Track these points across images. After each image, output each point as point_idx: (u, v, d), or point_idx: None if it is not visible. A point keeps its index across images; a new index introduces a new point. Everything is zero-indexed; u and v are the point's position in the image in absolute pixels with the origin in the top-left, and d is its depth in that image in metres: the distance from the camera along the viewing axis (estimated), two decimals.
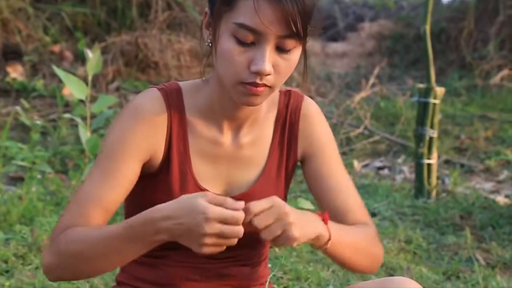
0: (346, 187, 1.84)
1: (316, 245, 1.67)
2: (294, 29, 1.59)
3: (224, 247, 1.55)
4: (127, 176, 1.70)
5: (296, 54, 1.66)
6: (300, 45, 1.65)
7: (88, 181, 1.70)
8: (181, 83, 1.82)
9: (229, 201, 1.52)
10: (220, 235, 1.51)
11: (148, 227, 1.56)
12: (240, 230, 1.52)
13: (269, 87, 1.64)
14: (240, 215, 1.52)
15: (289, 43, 1.62)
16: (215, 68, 1.71)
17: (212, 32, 1.68)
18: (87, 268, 1.66)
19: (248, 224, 1.55)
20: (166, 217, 1.53)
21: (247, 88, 1.63)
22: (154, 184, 1.76)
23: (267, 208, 1.55)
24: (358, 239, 1.77)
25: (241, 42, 1.61)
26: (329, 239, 1.66)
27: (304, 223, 1.60)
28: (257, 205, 1.55)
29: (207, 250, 1.53)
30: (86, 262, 1.64)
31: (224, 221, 1.50)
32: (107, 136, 1.74)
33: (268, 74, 1.62)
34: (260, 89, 1.63)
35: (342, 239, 1.70)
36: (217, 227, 1.50)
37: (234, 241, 1.53)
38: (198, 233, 1.51)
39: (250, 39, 1.61)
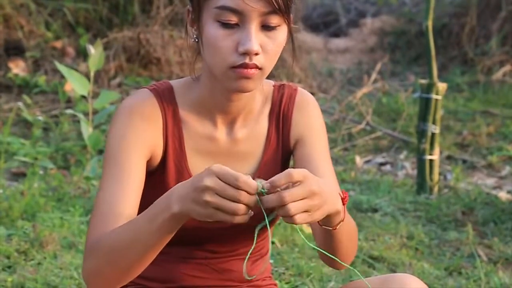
0: (327, 174, 1.81)
1: (327, 223, 1.62)
2: (275, 3, 1.59)
3: (229, 218, 1.45)
4: (137, 175, 1.69)
5: (282, 33, 1.65)
6: (285, 23, 1.65)
7: (102, 191, 1.68)
8: (172, 82, 1.82)
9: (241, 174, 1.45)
10: (220, 192, 1.43)
11: (163, 200, 1.52)
12: (242, 194, 1.43)
13: (260, 69, 1.63)
14: (242, 176, 1.43)
15: (273, 19, 1.62)
16: (204, 61, 1.71)
17: (196, 25, 1.68)
18: (124, 264, 1.59)
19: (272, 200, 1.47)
20: (180, 185, 1.51)
21: (238, 72, 1.62)
22: (150, 182, 1.75)
23: (299, 184, 1.47)
24: (353, 227, 1.76)
25: (225, 25, 1.61)
26: (341, 221, 1.62)
27: (327, 202, 1.53)
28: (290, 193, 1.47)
29: (211, 212, 1.45)
30: (121, 259, 1.58)
31: (224, 178, 1.43)
32: (107, 141, 1.72)
33: (257, 53, 1.61)
34: (251, 71, 1.62)
35: (347, 224, 1.67)
36: (217, 181, 1.43)
37: (238, 207, 1.44)
38: (199, 188, 1.44)
39: (234, 20, 1.60)
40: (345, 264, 1.73)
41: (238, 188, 1.43)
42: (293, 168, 1.79)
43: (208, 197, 1.44)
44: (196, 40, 1.70)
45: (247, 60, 1.61)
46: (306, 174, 1.49)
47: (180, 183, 1.52)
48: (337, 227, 1.63)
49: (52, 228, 3.35)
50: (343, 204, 1.61)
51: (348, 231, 1.70)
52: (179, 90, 1.79)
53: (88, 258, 1.63)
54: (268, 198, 1.47)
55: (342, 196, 1.61)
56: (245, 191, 1.43)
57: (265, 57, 1.63)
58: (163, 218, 1.51)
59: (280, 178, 1.47)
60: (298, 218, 1.47)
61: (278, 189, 1.47)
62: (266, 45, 1.63)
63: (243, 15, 1.60)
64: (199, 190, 1.45)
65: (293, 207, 1.46)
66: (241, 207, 1.44)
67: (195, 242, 1.81)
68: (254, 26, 1.61)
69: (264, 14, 1.60)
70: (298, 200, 1.47)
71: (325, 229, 1.65)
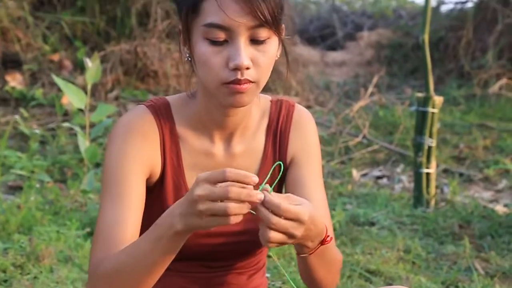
0: (319, 201, 1.81)
1: (296, 247, 1.63)
2: (261, 17, 1.58)
3: (225, 220, 1.44)
4: (137, 193, 1.68)
5: (272, 45, 1.65)
6: (275, 34, 1.64)
7: (103, 212, 1.67)
8: (168, 98, 1.81)
9: (235, 170, 1.45)
10: (209, 197, 1.42)
11: (166, 219, 1.51)
12: (230, 189, 1.42)
13: (253, 82, 1.63)
14: (228, 170, 1.43)
15: (262, 32, 1.61)
16: (198, 78, 1.71)
17: (187, 44, 1.68)
18: (129, 286, 1.58)
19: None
20: (178, 203, 1.50)
21: (231, 87, 1.62)
22: (149, 199, 1.74)
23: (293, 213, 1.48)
24: (333, 260, 1.74)
25: (214, 42, 1.61)
26: (310, 253, 1.63)
27: (307, 236, 1.55)
28: (288, 210, 1.48)
29: (207, 221, 1.44)
30: (126, 282, 1.57)
31: (213, 180, 1.43)
32: (106, 160, 1.71)
33: (248, 68, 1.61)
34: (244, 86, 1.62)
35: (323, 255, 1.66)
36: (205, 187, 1.43)
37: (226, 206, 1.42)
38: (192, 200, 1.44)
39: (222, 37, 1.60)
40: None
41: (227, 180, 1.43)
42: (285, 189, 1.80)
43: (201, 206, 1.43)
44: (189, 58, 1.70)
45: (238, 76, 1.61)
46: (305, 218, 1.49)
47: (178, 201, 1.51)
48: (308, 256, 1.63)
49: (49, 242, 3.34)
50: (322, 244, 1.61)
51: (324, 264, 1.69)
52: (176, 106, 1.79)
53: (92, 282, 1.62)
54: (261, 212, 1.48)
55: (326, 237, 1.61)
56: (236, 180, 1.43)
57: (257, 71, 1.63)
58: (168, 237, 1.51)
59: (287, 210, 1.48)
60: (272, 245, 1.50)
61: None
62: (257, 58, 1.62)
63: (230, 31, 1.60)
64: (192, 201, 1.45)
65: (272, 237, 1.48)
66: (231, 205, 1.43)
67: (194, 257, 1.81)
68: (243, 41, 1.60)
69: (252, 28, 1.60)
70: (280, 231, 1.48)
71: (299, 256, 1.66)
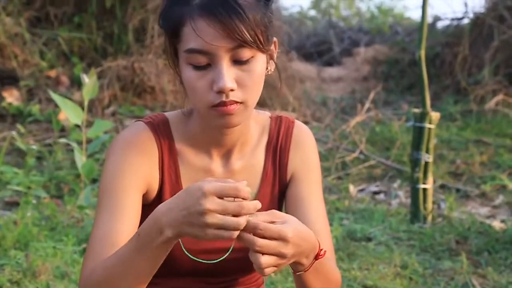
0: (319, 217, 1.81)
1: (291, 265, 1.62)
2: (239, 38, 1.58)
3: (230, 234, 1.43)
4: (133, 208, 1.68)
5: (257, 63, 1.64)
6: (259, 52, 1.63)
7: (97, 224, 1.66)
8: (167, 114, 1.81)
9: (230, 180, 1.45)
10: (222, 211, 1.41)
11: (152, 227, 1.49)
12: (243, 205, 1.42)
13: (241, 103, 1.63)
14: (241, 186, 1.43)
15: (243, 52, 1.61)
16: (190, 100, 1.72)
17: (177, 69, 1.69)
18: None
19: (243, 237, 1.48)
20: (167, 210, 1.47)
21: (218, 110, 1.62)
22: (146, 215, 1.74)
23: (277, 236, 1.48)
24: (329, 278, 1.72)
25: (197, 67, 1.61)
26: (305, 270, 1.62)
27: (299, 253, 1.55)
28: (268, 229, 1.48)
29: (210, 233, 1.42)
30: None
31: (224, 195, 1.42)
32: (103, 175, 1.71)
33: (232, 90, 1.60)
34: (231, 107, 1.62)
35: (317, 273, 1.66)
36: (217, 202, 1.41)
37: (238, 221, 1.42)
38: (198, 212, 1.42)
39: (204, 61, 1.60)
40: None
41: (241, 197, 1.42)
42: (285, 206, 1.80)
43: (209, 219, 1.42)
44: (181, 82, 1.71)
45: (223, 98, 1.60)
46: (290, 235, 1.49)
47: (164, 206, 1.49)
48: (302, 273, 1.62)
49: (45, 258, 3.33)
50: (316, 259, 1.61)
51: (319, 280, 1.68)
52: (174, 122, 1.79)
53: None
54: (245, 237, 1.47)
55: (320, 252, 1.61)
56: (247, 198, 1.43)
57: (244, 91, 1.62)
58: (157, 244, 1.49)
59: (266, 229, 1.47)
60: (267, 271, 1.49)
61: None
62: (242, 79, 1.62)
63: (211, 55, 1.59)
64: (198, 213, 1.42)
65: (264, 262, 1.47)
66: (242, 220, 1.43)
67: (193, 273, 1.80)
68: (225, 63, 1.60)
69: (232, 49, 1.59)
70: (270, 254, 1.48)
71: (294, 273, 1.65)
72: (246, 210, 1.43)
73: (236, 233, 1.44)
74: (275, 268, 1.50)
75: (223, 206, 1.41)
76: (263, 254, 1.47)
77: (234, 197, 1.43)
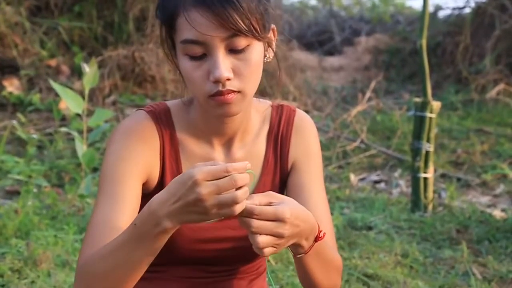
0: (321, 205, 1.81)
1: (293, 250, 1.62)
2: (233, 27, 1.57)
3: (233, 210, 1.43)
4: (132, 195, 1.68)
5: (253, 52, 1.63)
6: (255, 40, 1.63)
7: (96, 210, 1.66)
8: (169, 103, 1.81)
9: (218, 162, 1.46)
10: (217, 191, 1.41)
11: (149, 219, 1.48)
12: (235, 177, 1.42)
13: (238, 92, 1.63)
14: (230, 166, 1.43)
15: (239, 41, 1.60)
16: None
17: (175, 60, 1.70)
18: (114, 282, 1.57)
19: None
20: (162, 202, 1.47)
21: (216, 99, 1.62)
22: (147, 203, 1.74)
23: (274, 218, 1.49)
24: (330, 262, 1.73)
25: (193, 58, 1.61)
26: (305, 252, 1.62)
27: (298, 233, 1.55)
28: (263, 211, 1.48)
29: (213, 214, 1.43)
30: (108, 280, 1.56)
31: (217, 177, 1.42)
32: (103, 163, 1.71)
33: (228, 79, 1.60)
34: (229, 96, 1.62)
35: (318, 256, 1.66)
36: (210, 184, 1.41)
37: (236, 195, 1.42)
38: (195, 200, 1.43)
39: (200, 52, 1.60)
40: None
41: (230, 174, 1.42)
42: (286, 194, 1.80)
43: (208, 203, 1.42)
44: (179, 72, 1.71)
45: (220, 88, 1.60)
46: (287, 215, 1.49)
47: (157, 198, 1.48)
48: (303, 257, 1.63)
49: (46, 246, 3.33)
50: (316, 241, 1.61)
51: (320, 264, 1.68)
52: (175, 111, 1.79)
53: (79, 282, 1.61)
54: (242, 220, 1.48)
55: (319, 234, 1.61)
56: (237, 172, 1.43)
57: (240, 80, 1.62)
58: (155, 234, 1.49)
59: (261, 211, 1.48)
60: (267, 251, 1.49)
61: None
62: (238, 68, 1.62)
63: (206, 45, 1.59)
64: (195, 201, 1.43)
65: (261, 241, 1.47)
66: (239, 193, 1.43)
67: (194, 262, 1.80)
68: (220, 53, 1.59)
69: (227, 38, 1.59)
70: (267, 234, 1.48)
71: (295, 258, 1.65)
72: (241, 181, 1.42)
73: (238, 207, 1.44)
74: (274, 249, 1.50)
75: (216, 186, 1.41)
76: (260, 234, 1.48)
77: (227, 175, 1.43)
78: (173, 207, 1.45)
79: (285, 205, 1.50)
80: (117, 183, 1.67)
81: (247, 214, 1.46)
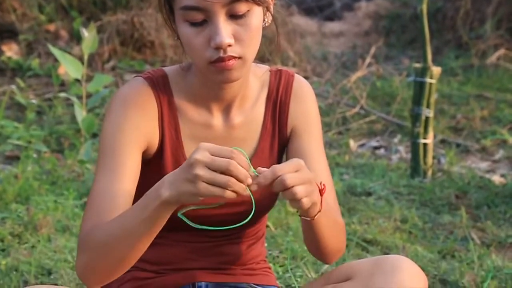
0: (322, 170, 1.82)
1: (305, 214, 1.64)
2: None
3: (222, 191, 1.44)
4: (132, 164, 1.68)
5: (253, 17, 1.63)
6: (255, 5, 1.63)
7: (97, 181, 1.67)
8: (166, 69, 1.81)
9: (227, 148, 1.48)
10: (211, 163, 1.43)
11: (154, 187, 1.52)
12: (231, 162, 1.43)
13: (239, 58, 1.63)
14: (237, 154, 1.45)
15: (239, 6, 1.60)
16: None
17: (173, 26, 1.69)
18: (116, 256, 1.58)
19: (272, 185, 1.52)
20: (172, 172, 1.51)
21: (217, 66, 1.62)
22: (147, 171, 1.74)
23: (295, 169, 1.52)
24: (336, 223, 1.76)
25: (193, 24, 1.61)
26: (319, 211, 1.63)
27: (315, 191, 1.58)
28: (284, 167, 1.52)
29: (202, 188, 1.44)
30: (113, 251, 1.58)
31: (217, 154, 1.45)
32: (102, 132, 1.71)
33: (229, 45, 1.60)
34: (229, 62, 1.62)
35: (327, 217, 1.69)
36: (208, 155, 1.44)
37: (229, 179, 1.44)
38: (188, 164, 1.45)
39: (200, 18, 1.60)
40: None
41: (231, 159, 1.44)
42: (286, 159, 1.81)
43: (199, 170, 1.43)
44: (178, 38, 1.70)
45: (221, 54, 1.60)
46: (302, 163, 1.54)
47: (171, 172, 1.51)
48: (315, 218, 1.64)
49: (46, 212, 3.34)
50: (321, 195, 1.62)
51: (329, 225, 1.71)
52: (173, 78, 1.78)
53: (81, 253, 1.62)
54: (265, 174, 1.49)
55: (321, 187, 1.62)
56: (239, 164, 1.45)
57: (241, 46, 1.62)
58: (154, 206, 1.51)
59: (283, 167, 1.51)
60: (305, 201, 1.53)
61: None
62: (239, 33, 1.61)
63: (206, 11, 1.59)
64: (189, 165, 1.44)
65: (299, 191, 1.50)
66: (232, 180, 1.44)
67: (192, 227, 1.81)
68: (221, 19, 1.59)
69: (228, 4, 1.58)
70: (300, 184, 1.50)
71: (306, 222, 1.67)
72: (234, 169, 1.44)
73: (232, 195, 1.45)
74: (308, 199, 1.53)
75: (211, 158, 1.43)
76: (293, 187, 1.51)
77: (229, 157, 1.45)
78: (175, 174, 1.48)
79: (293, 159, 1.54)
80: (117, 154, 1.67)
81: (273, 176, 1.49)
